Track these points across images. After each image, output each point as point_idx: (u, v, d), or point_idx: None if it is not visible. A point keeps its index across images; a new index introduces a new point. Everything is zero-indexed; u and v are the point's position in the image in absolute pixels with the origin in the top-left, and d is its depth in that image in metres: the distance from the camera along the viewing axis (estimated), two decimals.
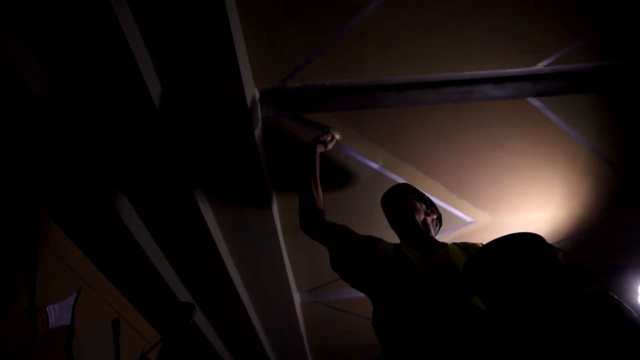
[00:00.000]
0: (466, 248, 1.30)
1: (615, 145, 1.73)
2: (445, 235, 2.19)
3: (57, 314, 1.39)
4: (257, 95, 1.52)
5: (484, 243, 1.23)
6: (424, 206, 1.52)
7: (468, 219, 2.07)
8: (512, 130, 1.67)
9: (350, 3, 1.31)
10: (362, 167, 1.78)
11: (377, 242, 1.37)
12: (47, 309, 1.34)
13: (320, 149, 1.53)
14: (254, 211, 1.78)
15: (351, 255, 1.32)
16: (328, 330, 2.94)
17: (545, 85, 1.56)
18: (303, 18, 1.34)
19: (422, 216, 1.47)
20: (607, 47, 1.49)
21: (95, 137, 1.28)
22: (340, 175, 1.81)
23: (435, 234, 1.52)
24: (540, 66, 1.53)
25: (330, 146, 1.56)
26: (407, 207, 1.48)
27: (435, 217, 1.54)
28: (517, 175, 1.85)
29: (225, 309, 2.22)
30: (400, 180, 1.83)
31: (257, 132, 1.49)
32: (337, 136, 1.60)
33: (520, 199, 1.97)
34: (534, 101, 1.57)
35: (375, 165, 1.78)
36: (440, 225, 1.58)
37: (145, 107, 1.21)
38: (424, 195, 1.58)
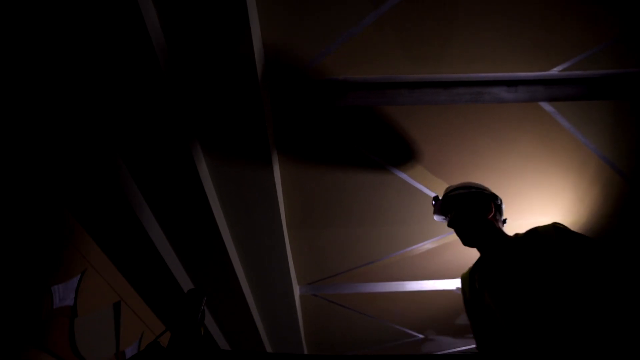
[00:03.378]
0: (531, 234, 1.20)
1: (626, 154, 1.73)
2: (445, 237, 2.20)
3: (61, 293, 1.40)
4: (269, 94, 1.51)
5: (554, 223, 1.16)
6: (476, 211, 1.36)
7: None
8: (522, 133, 1.66)
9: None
10: (368, 162, 1.78)
11: (462, 284, 1.43)
12: (52, 288, 1.35)
13: None
14: (260, 201, 1.78)
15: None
16: (325, 323, 2.96)
17: (559, 90, 1.55)
18: (319, 11, 1.33)
19: (477, 225, 1.34)
20: (625, 55, 1.47)
21: (98, 106, 1.23)
22: (349, 170, 1.81)
23: (502, 225, 1.39)
24: (555, 71, 1.52)
25: None
26: (458, 227, 1.37)
27: (492, 213, 1.35)
28: (525, 178, 1.85)
29: (225, 296, 2.23)
30: (405, 177, 1.83)
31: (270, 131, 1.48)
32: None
33: (527, 202, 1.97)
34: (546, 106, 1.56)
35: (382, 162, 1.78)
36: (501, 213, 1.41)
37: (148, 63, 1.11)
38: (472, 194, 1.41)
